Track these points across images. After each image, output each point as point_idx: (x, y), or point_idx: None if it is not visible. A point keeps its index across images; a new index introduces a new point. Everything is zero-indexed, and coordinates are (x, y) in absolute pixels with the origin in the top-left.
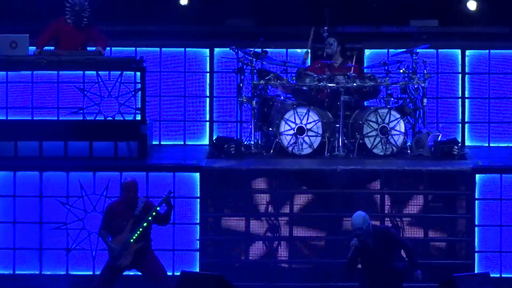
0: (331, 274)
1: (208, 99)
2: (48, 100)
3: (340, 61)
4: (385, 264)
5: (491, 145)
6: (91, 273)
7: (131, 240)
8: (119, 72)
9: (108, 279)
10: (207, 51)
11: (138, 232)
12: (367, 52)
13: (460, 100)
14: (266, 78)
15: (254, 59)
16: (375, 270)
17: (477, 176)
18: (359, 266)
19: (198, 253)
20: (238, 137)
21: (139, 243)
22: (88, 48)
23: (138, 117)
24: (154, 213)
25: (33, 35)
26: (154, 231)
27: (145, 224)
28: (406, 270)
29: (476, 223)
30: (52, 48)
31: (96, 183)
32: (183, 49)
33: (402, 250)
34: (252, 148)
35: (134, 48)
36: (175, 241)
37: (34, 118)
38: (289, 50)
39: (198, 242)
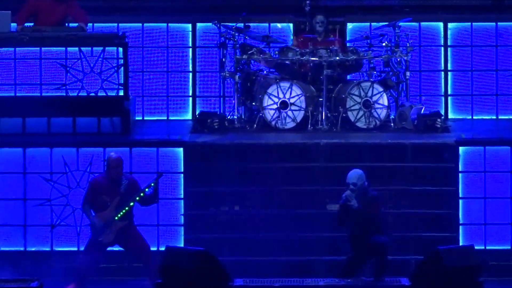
0: (315, 247)
1: (191, 74)
2: (31, 76)
3: (323, 35)
4: (365, 231)
5: (474, 117)
6: (76, 249)
7: (115, 218)
8: (102, 48)
9: (94, 258)
10: (189, 26)
11: (123, 211)
12: (349, 25)
13: (443, 73)
14: (249, 52)
15: (236, 34)
16: (357, 237)
17: (461, 148)
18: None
19: (182, 228)
20: (222, 112)
21: (123, 221)
22: (70, 25)
23: (121, 93)
24: (142, 194)
25: (15, 12)
26: (138, 206)
27: (131, 204)
28: (388, 243)
29: (460, 195)
30: (32, 24)
31: (80, 159)
32: (165, 24)
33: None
34: (236, 122)
35: (116, 24)
36: (159, 216)
37: (17, 95)
38: (271, 24)
39: (182, 217)
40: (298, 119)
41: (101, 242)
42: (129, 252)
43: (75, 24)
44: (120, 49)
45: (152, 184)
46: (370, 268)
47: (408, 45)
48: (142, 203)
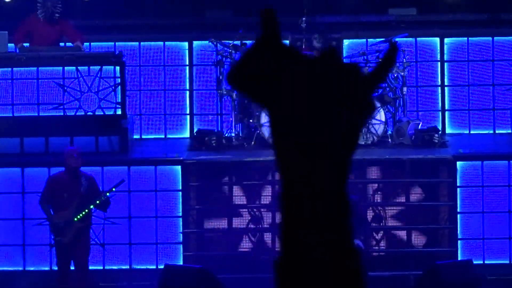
0: None
1: (188, 92)
2: (28, 96)
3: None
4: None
5: (471, 132)
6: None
7: (75, 219)
8: (99, 67)
9: (61, 260)
10: (186, 44)
11: (84, 213)
12: (346, 42)
13: (439, 88)
14: None
15: (233, 51)
16: None
17: (458, 163)
18: None
19: (181, 246)
20: (219, 129)
21: (83, 223)
22: (67, 44)
23: (119, 112)
24: (103, 198)
25: (12, 32)
26: (137, 224)
27: (91, 207)
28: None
29: (458, 210)
30: (27, 44)
31: None
32: (162, 42)
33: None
34: (233, 140)
35: (113, 43)
36: (158, 234)
37: (15, 115)
38: None
39: (181, 235)
40: None
41: (60, 241)
42: (77, 255)
43: (72, 44)
44: (117, 68)
45: (113, 189)
46: None
47: (404, 60)
48: (98, 207)
